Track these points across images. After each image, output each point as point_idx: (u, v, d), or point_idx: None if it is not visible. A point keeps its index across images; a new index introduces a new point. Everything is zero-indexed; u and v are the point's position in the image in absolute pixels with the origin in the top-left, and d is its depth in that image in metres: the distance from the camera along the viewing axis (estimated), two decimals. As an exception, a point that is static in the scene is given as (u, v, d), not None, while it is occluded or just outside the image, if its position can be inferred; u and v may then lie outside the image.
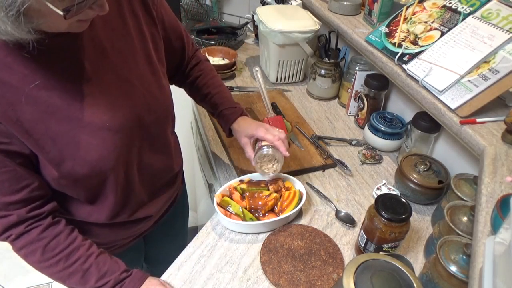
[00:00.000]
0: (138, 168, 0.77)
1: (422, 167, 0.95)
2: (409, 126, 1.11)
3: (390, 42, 1.06)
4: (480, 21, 0.91)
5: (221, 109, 0.95)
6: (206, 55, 1.52)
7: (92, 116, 0.64)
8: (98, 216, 0.76)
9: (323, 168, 1.09)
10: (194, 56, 0.98)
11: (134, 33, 0.71)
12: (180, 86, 1.01)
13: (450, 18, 0.98)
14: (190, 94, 1.01)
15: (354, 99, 1.30)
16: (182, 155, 1.00)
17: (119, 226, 0.83)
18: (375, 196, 1.00)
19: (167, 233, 1.11)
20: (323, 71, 1.35)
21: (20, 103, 0.58)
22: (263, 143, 0.89)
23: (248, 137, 0.91)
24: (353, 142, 1.19)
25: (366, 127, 1.19)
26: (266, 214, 0.89)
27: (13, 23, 0.48)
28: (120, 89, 0.69)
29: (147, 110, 0.73)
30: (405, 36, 1.04)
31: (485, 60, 0.85)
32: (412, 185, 0.95)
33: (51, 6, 0.48)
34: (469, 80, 0.85)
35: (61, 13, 0.49)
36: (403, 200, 0.78)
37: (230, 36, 1.70)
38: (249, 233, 0.89)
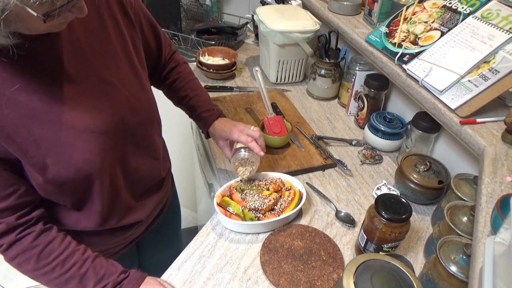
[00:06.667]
0: (123, 172, 0.76)
1: (422, 167, 0.95)
2: (409, 126, 1.11)
3: (390, 42, 1.06)
4: (480, 21, 0.91)
5: (198, 112, 0.97)
6: (206, 55, 1.52)
7: (75, 119, 0.63)
8: (86, 223, 0.75)
9: (323, 168, 1.09)
10: (172, 59, 0.98)
11: (114, 36, 0.71)
12: (158, 88, 1.01)
13: (450, 18, 0.98)
14: (168, 96, 1.02)
15: (354, 99, 1.30)
16: (182, 155, 1.00)
17: (108, 233, 0.82)
18: (375, 196, 1.00)
19: (159, 241, 1.10)
20: (323, 71, 1.35)
21: (0, 108, 0.56)
22: (239, 145, 0.91)
23: (223, 139, 0.93)
24: (353, 142, 1.19)
25: (366, 127, 1.19)
26: (266, 214, 0.89)
27: None
28: (102, 91, 0.68)
29: (131, 112, 0.73)
30: (405, 36, 1.04)
31: (485, 60, 0.85)
32: (412, 185, 0.95)
33: (32, 12, 0.48)
34: (469, 80, 0.85)
35: (42, 18, 0.48)
36: (403, 200, 0.78)
37: (230, 36, 1.70)
38: (249, 233, 0.89)
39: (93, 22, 0.67)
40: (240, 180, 0.95)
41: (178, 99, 0.99)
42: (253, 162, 0.91)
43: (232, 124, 0.93)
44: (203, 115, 0.96)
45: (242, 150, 0.89)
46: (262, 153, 0.88)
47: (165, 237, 1.13)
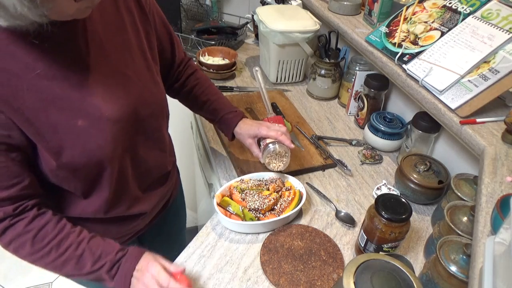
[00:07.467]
0: (132, 162, 0.77)
1: (422, 167, 0.95)
2: (409, 126, 1.11)
3: (390, 42, 1.06)
4: (480, 21, 0.91)
5: (222, 114, 0.98)
6: (206, 55, 1.52)
7: (92, 106, 0.65)
8: (92, 209, 0.76)
9: (323, 168, 1.09)
10: (189, 65, 0.99)
11: (130, 29, 0.73)
12: (175, 96, 1.01)
13: (450, 18, 0.98)
14: (187, 103, 1.02)
15: (354, 99, 1.30)
16: (182, 155, 1.00)
17: (113, 222, 0.83)
18: (375, 196, 1.00)
19: (164, 240, 1.10)
20: (323, 71, 1.35)
21: (22, 91, 0.58)
22: (268, 140, 0.93)
23: (251, 137, 0.95)
24: (353, 142, 1.19)
25: (366, 127, 1.19)
26: (266, 214, 0.89)
27: (29, 4, 0.48)
28: (117, 81, 0.70)
29: (143, 103, 0.74)
30: (405, 36, 1.04)
31: (485, 60, 0.85)
32: (412, 185, 0.95)
33: None
34: (469, 80, 0.85)
35: None
36: (403, 200, 0.78)
37: (230, 36, 1.70)
38: (249, 233, 0.89)
39: (110, 14, 0.69)
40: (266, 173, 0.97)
41: (200, 105, 0.99)
42: (284, 155, 0.94)
43: (258, 122, 0.96)
44: (226, 116, 0.97)
45: (271, 145, 0.92)
46: (292, 146, 0.92)
47: (169, 237, 1.13)
